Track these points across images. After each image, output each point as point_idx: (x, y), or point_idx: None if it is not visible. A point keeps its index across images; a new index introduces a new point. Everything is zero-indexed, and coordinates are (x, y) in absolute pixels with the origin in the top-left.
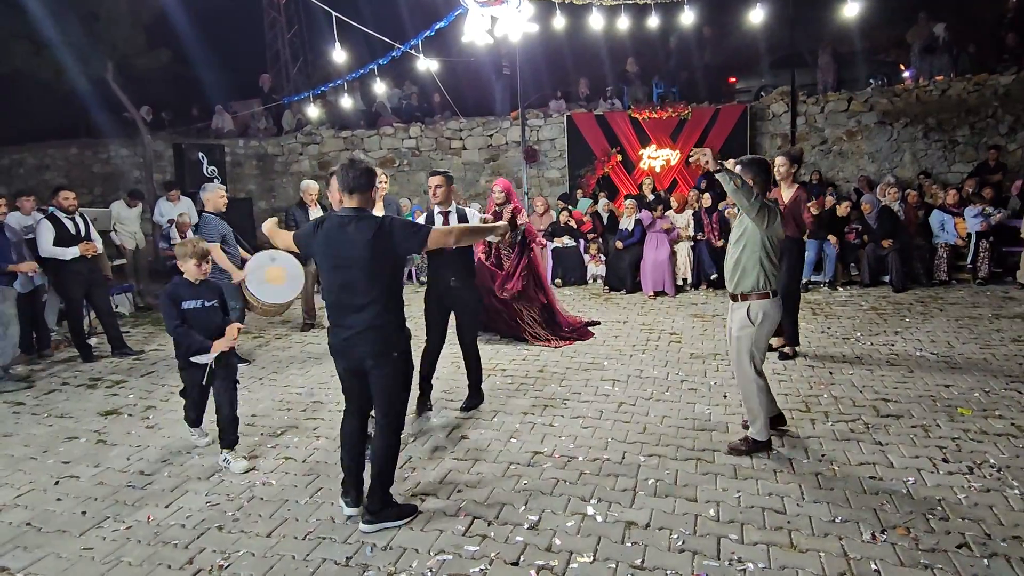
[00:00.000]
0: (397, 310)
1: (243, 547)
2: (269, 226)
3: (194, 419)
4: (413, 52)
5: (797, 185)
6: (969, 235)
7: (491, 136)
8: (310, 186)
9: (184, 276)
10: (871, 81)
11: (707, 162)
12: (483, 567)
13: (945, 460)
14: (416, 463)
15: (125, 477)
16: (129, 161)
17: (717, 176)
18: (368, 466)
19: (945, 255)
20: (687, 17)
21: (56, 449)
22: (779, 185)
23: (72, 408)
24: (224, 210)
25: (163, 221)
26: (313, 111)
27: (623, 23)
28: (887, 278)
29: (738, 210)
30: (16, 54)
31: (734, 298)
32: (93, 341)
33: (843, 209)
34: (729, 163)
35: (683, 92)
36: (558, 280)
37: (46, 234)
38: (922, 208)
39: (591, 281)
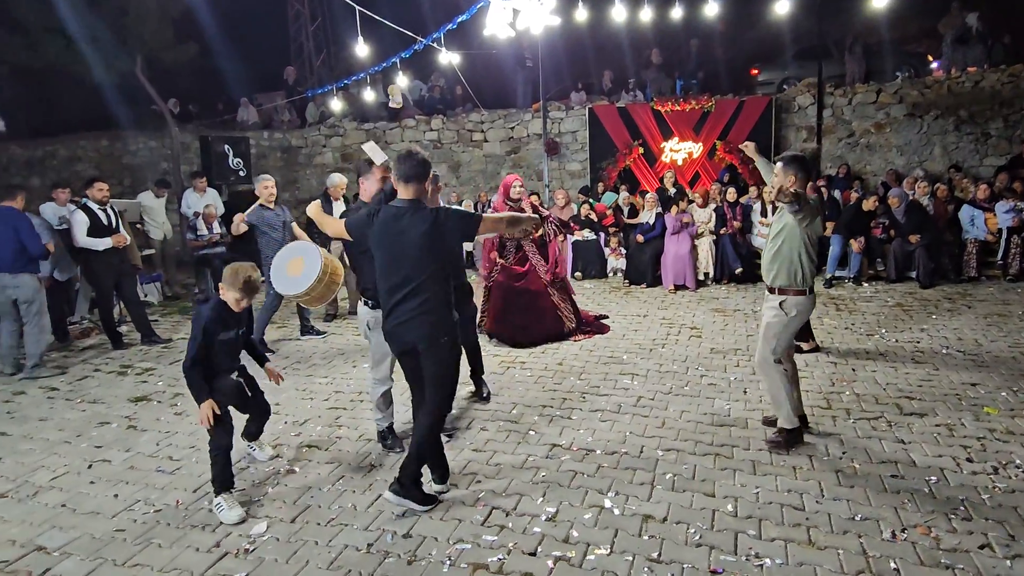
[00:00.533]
0: (447, 297)
1: (269, 532)
2: (314, 210)
3: (252, 432)
4: (435, 45)
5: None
6: (1000, 230)
7: (512, 129)
8: (339, 181)
9: (225, 302)
10: (897, 73)
11: (782, 197)
12: (501, 556)
13: (969, 460)
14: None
15: (155, 462)
16: (157, 153)
17: (786, 206)
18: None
19: (975, 251)
20: (711, 8)
21: (89, 433)
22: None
23: (104, 394)
24: (271, 200)
25: (190, 212)
26: (336, 104)
27: (646, 15)
28: (913, 274)
29: (780, 207)
30: (50, 49)
31: (771, 290)
32: (123, 329)
33: (870, 204)
34: (749, 147)
35: (707, 84)
36: (578, 273)
37: (81, 225)
38: (952, 203)
39: (611, 274)
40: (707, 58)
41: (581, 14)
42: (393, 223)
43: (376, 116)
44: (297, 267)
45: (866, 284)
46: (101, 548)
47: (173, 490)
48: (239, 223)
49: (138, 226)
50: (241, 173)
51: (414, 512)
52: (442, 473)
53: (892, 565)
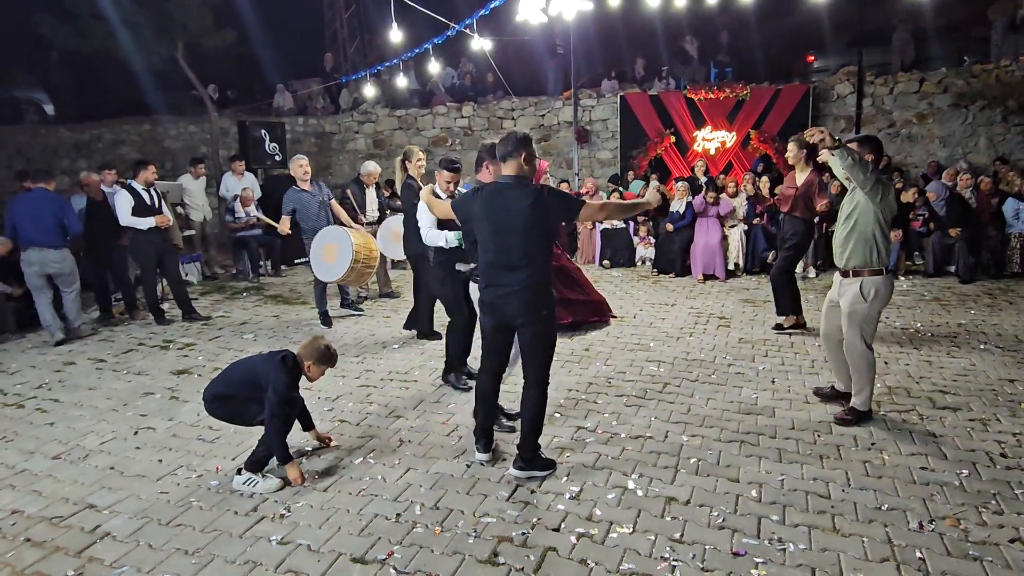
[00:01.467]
0: (546, 272)
1: (302, 500)
2: (426, 194)
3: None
4: (468, 32)
5: (811, 169)
6: None
7: (543, 116)
8: (373, 169)
9: (298, 368)
10: (964, 59)
11: (823, 139)
12: (525, 531)
13: (1003, 455)
14: (463, 431)
15: (195, 431)
16: (197, 137)
17: (834, 153)
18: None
19: (1019, 245)
20: None
21: (134, 403)
22: (793, 168)
23: (148, 367)
24: (306, 180)
25: (229, 195)
26: (369, 90)
27: (680, 1)
28: (953, 268)
29: (852, 186)
30: (96, 34)
31: (844, 274)
32: (165, 306)
33: (909, 196)
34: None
35: (743, 72)
36: (606, 261)
37: (125, 204)
38: (996, 195)
39: (639, 263)
40: (744, 45)
41: (614, 0)
42: (497, 198)
43: (407, 103)
44: (332, 254)
45: (903, 277)
46: (147, 508)
47: (213, 458)
48: (285, 228)
49: (179, 208)
50: (277, 157)
51: (537, 479)
52: (487, 443)
53: (918, 555)
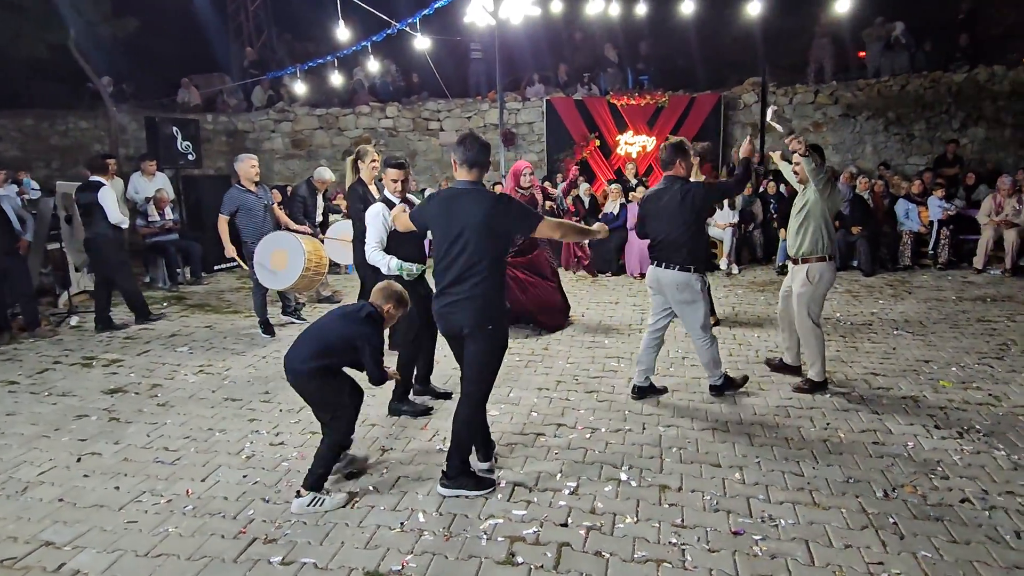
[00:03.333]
0: (497, 285)
1: (293, 517)
2: (398, 214)
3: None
4: (409, 30)
5: (704, 177)
6: (931, 223)
7: (469, 118)
8: (328, 176)
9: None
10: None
11: (800, 147)
12: (535, 529)
13: (937, 427)
14: (444, 434)
15: (150, 453)
16: (90, 134)
17: (803, 159)
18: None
19: (909, 241)
20: (687, 7)
21: (67, 427)
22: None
23: (72, 387)
24: (255, 180)
25: (139, 198)
26: (300, 87)
27: (613, 9)
28: (855, 263)
29: (802, 187)
30: None
31: (795, 261)
32: (74, 320)
33: None
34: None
35: (671, 80)
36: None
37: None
38: (887, 197)
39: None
40: (667, 54)
41: (547, 6)
42: (451, 202)
43: (328, 102)
44: (280, 260)
45: None
46: (116, 540)
47: (179, 480)
48: (230, 254)
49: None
50: (190, 157)
51: (470, 498)
52: (487, 452)
53: (891, 520)
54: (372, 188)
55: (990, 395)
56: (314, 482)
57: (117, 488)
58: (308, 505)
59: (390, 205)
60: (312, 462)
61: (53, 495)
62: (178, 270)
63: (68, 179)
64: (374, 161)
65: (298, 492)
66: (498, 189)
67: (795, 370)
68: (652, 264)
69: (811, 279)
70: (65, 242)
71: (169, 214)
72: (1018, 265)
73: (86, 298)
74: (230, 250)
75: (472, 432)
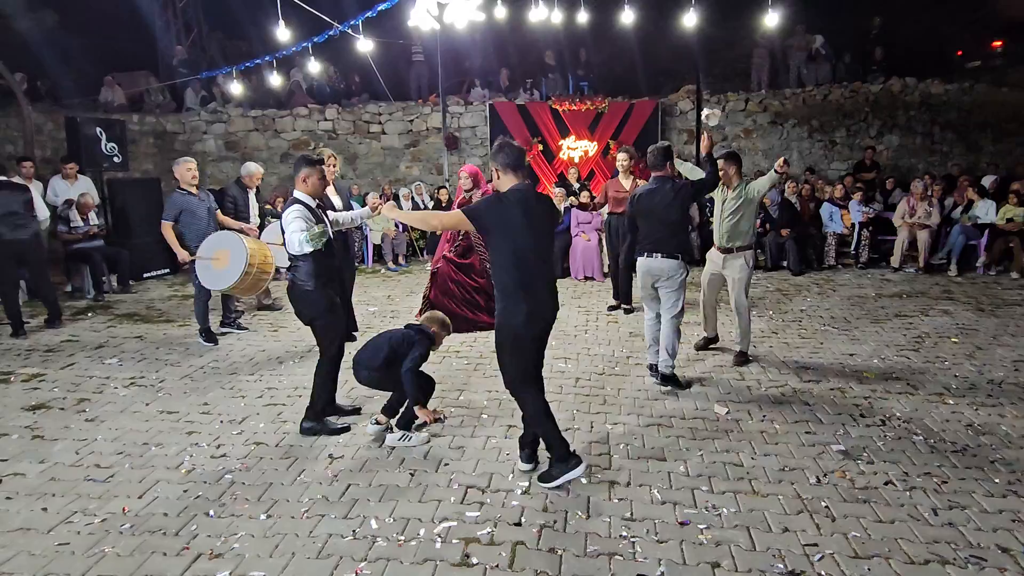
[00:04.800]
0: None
1: (240, 530)
2: (389, 210)
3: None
4: (351, 32)
5: (632, 177)
6: (853, 225)
7: (411, 121)
8: (256, 170)
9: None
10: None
11: (787, 169)
12: (489, 529)
13: (862, 415)
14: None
15: (80, 471)
16: (1, 135)
17: (717, 161)
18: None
19: (833, 242)
20: (627, 16)
21: None
22: (619, 175)
23: None
24: (194, 184)
25: (58, 201)
26: (236, 87)
27: (555, 17)
28: (785, 263)
29: (740, 193)
30: None
31: (729, 251)
32: None
33: None
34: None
35: (614, 87)
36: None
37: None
38: (813, 201)
39: None
40: (606, 61)
41: (491, 11)
42: (536, 203)
43: (264, 103)
44: (223, 260)
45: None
46: (47, 564)
47: (113, 498)
48: (184, 259)
49: None
50: (116, 159)
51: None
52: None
53: (823, 504)
54: (331, 190)
55: (908, 384)
56: (403, 423)
57: (45, 509)
58: (399, 440)
59: (306, 207)
60: (402, 411)
61: None
62: (104, 278)
63: None
64: (333, 164)
65: (390, 427)
66: (442, 193)
67: (714, 340)
68: (643, 256)
69: (748, 263)
70: None
71: (94, 219)
72: (930, 263)
73: None
74: (183, 255)
75: (539, 423)
